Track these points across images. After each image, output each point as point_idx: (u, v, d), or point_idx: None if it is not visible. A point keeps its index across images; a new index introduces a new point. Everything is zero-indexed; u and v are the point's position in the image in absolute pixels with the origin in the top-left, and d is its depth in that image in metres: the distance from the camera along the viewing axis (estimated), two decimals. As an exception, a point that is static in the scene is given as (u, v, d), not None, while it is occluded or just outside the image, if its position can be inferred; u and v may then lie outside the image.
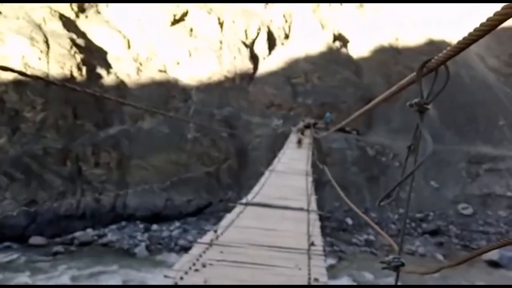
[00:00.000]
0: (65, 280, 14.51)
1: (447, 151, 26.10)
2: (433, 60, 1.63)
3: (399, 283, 1.79)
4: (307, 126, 25.45)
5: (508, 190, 24.44)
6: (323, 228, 8.37)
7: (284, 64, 30.45)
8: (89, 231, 19.64)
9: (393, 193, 1.77)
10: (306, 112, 28.78)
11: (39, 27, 24.03)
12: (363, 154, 26.03)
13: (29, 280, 14.36)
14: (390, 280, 14.98)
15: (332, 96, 29.33)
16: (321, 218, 9.90)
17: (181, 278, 5.03)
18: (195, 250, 6.24)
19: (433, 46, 29.31)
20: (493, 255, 18.07)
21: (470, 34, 1.35)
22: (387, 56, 32.18)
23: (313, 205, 10.14)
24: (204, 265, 5.55)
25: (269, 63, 30.73)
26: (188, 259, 5.69)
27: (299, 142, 22.39)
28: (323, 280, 5.39)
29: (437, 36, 31.38)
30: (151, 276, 14.64)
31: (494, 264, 17.64)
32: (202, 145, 24.67)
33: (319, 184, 20.91)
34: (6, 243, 18.25)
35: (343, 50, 32.44)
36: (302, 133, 23.98)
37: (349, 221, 22.09)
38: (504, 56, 33.04)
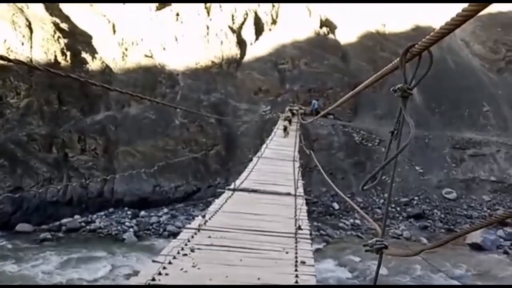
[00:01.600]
0: (52, 266, 14.48)
1: (432, 136, 26.48)
2: (416, 46, 1.67)
3: (382, 266, 1.85)
4: (294, 114, 25.26)
5: (491, 174, 24.96)
6: (310, 212, 8.50)
7: (272, 50, 30.32)
8: (77, 217, 19.56)
9: (377, 177, 1.81)
10: (293, 98, 28.79)
11: (21, 10, 23.46)
12: (349, 140, 26.25)
13: (16, 267, 14.29)
14: (375, 264, 15.29)
15: (319, 82, 29.37)
16: (308, 203, 10.02)
17: (170, 262, 5.07)
18: (184, 235, 6.28)
19: (419, 32, 29.42)
20: (476, 238, 18.51)
21: (452, 19, 1.38)
22: (374, 42, 32.27)
23: (300, 190, 10.24)
24: (192, 250, 5.59)
25: (256, 49, 30.56)
26: (177, 244, 5.73)
27: (285, 130, 21.80)
28: (310, 263, 5.48)
29: (423, 22, 31.51)
30: (140, 261, 14.70)
31: (477, 247, 18.08)
32: (190, 131, 24.58)
33: (306, 170, 21.09)
34: (-9, 230, 18.11)
35: (330, 36, 32.39)
36: (290, 122, 23.53)
37: (336, 205, 22.38)
38: (489, 42, 33.36)
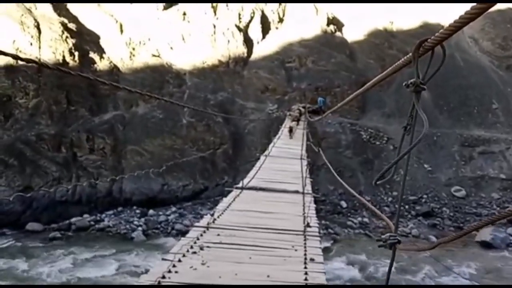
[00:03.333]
0: (62, 265, 14.59)
1: (440, 134, 26.29)
2: (429, 40, 1.65)
3: (395, 261, 1.84)
4: (301, 113, 25.04)
5: (501, 172, 24.73)
6: (318, 211, 8.48)
7: (278, 48, 30.27)
8: (86, 216, 19.70)
9: (389, 173, 1.81)
10: (301, 96, 28.73)
11: (29, 11, 23.64)
12: (357, 138, 26.15)
13: (26, 266, 14.42)
14: (384, 262, 15.21)
15: (326, 80, 29.27)
16: (316, 201, 10.01)
17: (179, 260, 5.10)
18: (193, 233, 6.31)
19: (427, 29, 29.24)
20: (486, 236, 18.39)
21: (466, 13, 1.37)
22: (382, 39, 32.08)
23: (308, 188, 10.24)
24: (201, 248, 5.62)
25: (263, 47, 30.53)
26: (186, 242, 5.76)
27: (291, 131, 20.99)
28: (319, 260, 5.48)
29: (432, 19, 31.27)
30: (149, 260, 14.77)
31: (486, 245, 17.95)
32: (197, 130, 24.63)
33: (314, 168, 21.06)
34: (2, 229, 18.28)
35: (338, 34, 32.26)
36: (297, 122, 23.07)
37: (344, 204, 22.31)
38: (498, 39, 33.04)
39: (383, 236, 1.75)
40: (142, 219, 19.65)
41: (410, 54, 1.72)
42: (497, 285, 12.53)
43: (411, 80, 1.67)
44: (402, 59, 1.83)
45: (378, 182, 1.83)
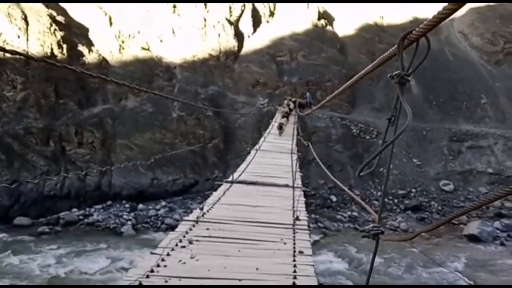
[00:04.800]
0: (51, 259, 14.49)
1: (429, 128, 26.51)
2: (414, 32, 1.66)
3: (378, 251, 1.85)
4: (291, 109, 24.81)
5: (489, 166, 25.04)
6: (308, 205, 8.52)
7: (269, 42, 30.19)
8: (75, 211, 19.55)
9: (373, 163, 1.81)
10: (291, 91, 28.73)
11: (17, 3, 23.26)
12: (347, 133, 26.26)
13: (14, 260, 14.30)
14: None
15: (316, 74, 29.30)
16: (306, 195, 10.05)
17: (168, 254, 5.09)
18: (182, 227, 6.30)
19: (417, 24, 28.98)
20: (473, 229, 18.64)
21: (449, 3, 1.37)
22: (372, 34, 32.18)
23: (298, 182, 10.28)
24: (190, 242, 5.62)
25: (254, 41, 30.44)
26: (175, 236, 5.75)
27: (281, 128, 20.25)
28: (308, 252, 5.51)
29: (422, 14, 31.39)
30: (138, 254, 14.72)
31: (474, 239, 18.18)
32: (187, 124, 24.53)
33: (304, 162, 21.12)
34: (-11, 224, 18.10)
35: (328, 28, 32.27)
36: (287, 117, 22.53)
37: (334, 198, 22.44)
38: (487, 34, 33.29)
39: (366, 227, 1.76)
40: (132, 214, 19.55)
41: (395, 46, 1.73)
42: (493, 285, 12.66)
43: (396, 72, 1.68)
44: (388, 52, 1.83)
45: (361, 173, 1.84)
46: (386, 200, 21.42)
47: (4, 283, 12.50)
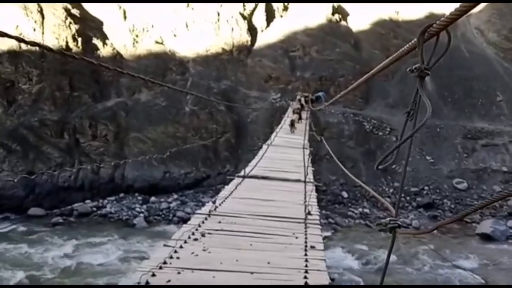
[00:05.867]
0: (64, 250, 14.72)
1: (443, 125, 26.19)
2: (434, 25, 1.64)
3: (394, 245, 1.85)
4: (303, 105, 24.38)
5: (503, 165, 24.68)
6: (319, 200, 8.49)
7: (283, 37, 30.07)
8: (88, 202, 19.82)
9: (391, 157, 1.81)
10: (304, 86, 28.60)
11: (33, -4, 23.52)
12: (360, 129, 26.09)
13: (29, 250, 14.55)
14: (384, 252, 15.27)
15: (330, 69, 29.12)
16: (317, 190, 10.03)
17: (181, 246, 5.13)
18: (194, 220, 6.34)
19: (433, 19, 28.56)
20: (486, 228, 18.42)
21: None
22: (387, 29, 31.81)
23: (310, 177, 10.26)
24: (203, 235, 5.65)
25: (267, 36, 30.34)
26: (188, 229, 5.79)
27: (292, 125, 19.57)
28: (319, 247, 5.51)
29: (437, 9, 30.95)
30: (150, 246, 14.87)
31: (487, 238, 17.98)
32: (200, 118, 24.62)
33: (316, 158, 21.06)
34: (5, 214, 18.42)
35: (343, 23, 32.00)
36: (300, 114, 21.85)
37: (345, 194, 22.36)
38: (504, 31, 32.69)
39: (383, 220, 1.75)
40: (144, 206, 19.75)
41: (415, 39, 1.71)
42: (500, 285, 12.50)
43: (416, 65, 1.66)
44: (407, 45, 1.81)
45: (380, 167, 1.83)
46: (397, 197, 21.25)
47: (19, 273, 12.72)
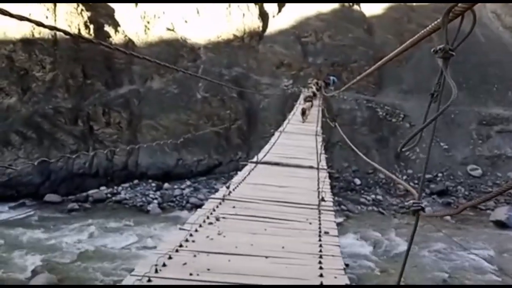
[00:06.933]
0: (80, 235, 15.00)
1: (458, 112, 25.81)
2: (459, 5, 1.61)
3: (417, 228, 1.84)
4: (315, 94, 23.43)
5: (518, 151, 24.33)
6: (331, 187, 8.48)
7: (295, 22, 29.76)
8: (103, 189, 20.10)
9: (414, 140, 1.79)
10: (316, 72, 28.37)
11: (45, -16, 23.58)
12: (373, 115, 25.87)
13: (45, 236, 14.84)
14: (397, 238, 15.27)
15: (342, 55, 28.80)
16: (331, 177, 10.01)
17: (196, 230, 5.19)
18: (209, 205, 6.39)
19: (449, 3, 28.31)
20: (501, 215, 18.26)
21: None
22: (401, 14, 31.25)
23: (323, 164, 10.24)
24: (217, 219, 5.70)
25: (279, 21, 30.06)
26: (202, 213, 5.85)
27: (304, 114, 18.38)
28: (334, 233, 5.52)
29: (453, -7, 30.30)
30: (164, 232, 15.07)
31: (501, 225, 17.83)
32: (212, 106, 24.65)
33: (329, 145, 20.99)
34: (21, 200, 18.80)
35: (356, 7, 31.52)
36: (312, 102, 20.94)
37: (358, 181, 22.29)
38: (522, 14, 31.94)
39: (406, 203, 1.76)
40: (158, 193, 19.98)
41: (439, 19, 1.68)
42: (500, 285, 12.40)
43: (440, 46, 1.64)
44: (431, 25, 1.78)
45: (403, 149, 1.82)
46: (411, 184, 21.10)
47: (35, 258, 12.98)
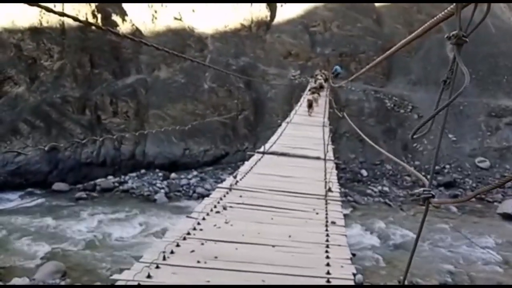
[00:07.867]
0: (88, 224, 15.14)
1: (467, 103, 25.56)
2: (474, -10, 1.58)
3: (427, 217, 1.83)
4: (322, 86, 22.59)
5: (527, 144, 24.09)
6: (338, 178, 8.46)
7: (303, 12, 29.51)
8: (110, 178, 20.25)
9: (425, 127, 1.78)
10: (324, 62, 28.18)
11: (53, -28, 23.52)
12: (381, 106, 25.71)
13: (54, 224, 14.99)
14: (403, 230, 15.25)
15: (351, 45, 28.56)
16: (337, 168, 9.99)
17: (203, 218, 5.22)
18: (216, 194, 6.43)
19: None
20: (507, 208, 18.16)
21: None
22: (410, 4, 30.84)
23: (330, 154, 10.23)
24: (224, 208, 5.74)
25: (286, 11, 29.82)
26: (210, 202, 5.88)
27: (310, 106, 17.80)
28: (340, 223, 5.53)
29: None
30: (171, 221, 15.17)
31: (508, 217, 17.73)
32: (218, 96, 24.63)
33: (336, 136, 20.92)
34: (29, 188, 18.98)
35: (364, -3, 31.17)
36: (318, 94, 20.38)
37: (364, 172, 22.25)
38: (534, 4, 31.43)
39: (416, 191, 1.74)
40: (165, 182, 20.08)
41: (453, 5, 1.66)
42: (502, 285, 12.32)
43: (453, 32, 1.61)
44: (445, 11, 1.76)
45: (414, 136, 1.81)
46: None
47: (44, 246, 13.12)
